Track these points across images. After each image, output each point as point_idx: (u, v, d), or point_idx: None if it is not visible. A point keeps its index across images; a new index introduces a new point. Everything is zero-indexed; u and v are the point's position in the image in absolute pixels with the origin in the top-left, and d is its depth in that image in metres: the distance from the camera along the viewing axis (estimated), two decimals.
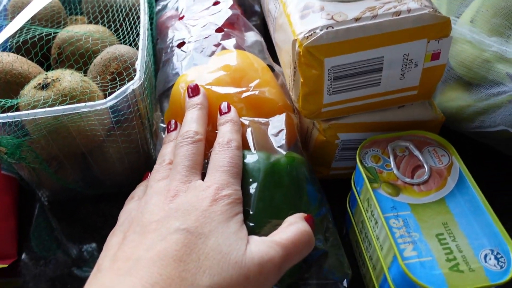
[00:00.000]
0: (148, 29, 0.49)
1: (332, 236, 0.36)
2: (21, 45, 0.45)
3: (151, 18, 0.57)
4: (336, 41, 0.36)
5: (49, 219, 0.48)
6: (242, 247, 0.29)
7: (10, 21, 0.48)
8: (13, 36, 0.45)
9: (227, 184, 0.33)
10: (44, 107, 0.38)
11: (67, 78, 0.40)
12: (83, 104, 0.38)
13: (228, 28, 0.49)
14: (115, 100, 0.38)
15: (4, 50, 0.46)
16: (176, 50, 0.49)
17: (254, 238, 0.31)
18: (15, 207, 0.46)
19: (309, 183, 0.38)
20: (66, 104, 0.38)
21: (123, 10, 0.50)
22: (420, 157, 0.38)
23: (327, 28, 0.36)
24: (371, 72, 0.38)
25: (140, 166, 0.47)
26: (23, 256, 0.44)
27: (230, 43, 0.47)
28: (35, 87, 0.39)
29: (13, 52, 0.46)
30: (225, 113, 0.39)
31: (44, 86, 0.39)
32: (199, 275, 0.27)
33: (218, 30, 0.48)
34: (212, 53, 0.46)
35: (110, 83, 0.42)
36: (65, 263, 0.44)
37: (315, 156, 0.45)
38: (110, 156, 0.44)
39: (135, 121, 0.42)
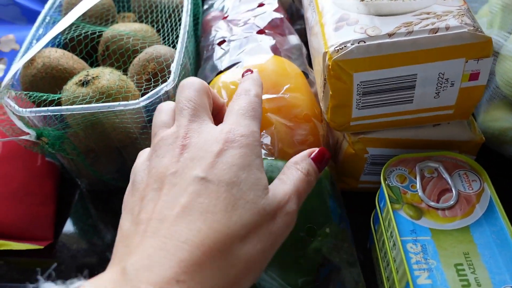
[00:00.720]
0: (190, 29, 0.50)
1: (348, 253, 0.36)
2: (68, 42, 0.48)
3: (196, 17, 0.59)
4: (367, 56, 0.35)
5: (86, 206, 0.50)
6: (266, 195, 0.28)
7: (63, 16, 0.51)
8: (63, 32, 0.48)
9: (243, 125, 0.30)
10: (82, 104, 0.40)
11: (106, 76, 0.42)
12: (117, 103, 0.39)
13: (270, 30, 0.49)
14: (148, 101, 0.40)
15: (54, 45, 0.49)
16: (216, 48, 0.49)
17: (274, 184, 0.30)
18: (55, 193, 0.49)
19: (331, 196, 0.38)
20: (103, 102, 0.40)
21: (167, 10, 0.52)
22: (449, 180, 0.37)
23: (358, 43, 0.35)
24: (403, 89, 0.37)
25: None
26: (59, 239, 0.47)
27: (268, 44, 0.47)
28: (77, 83, 0.41)
29: (62, 47, 0.48)
30: (245, 74, 0.36)
31: (84, 83, 0.41)
32: (231, 224, 0.26)
33: (259, 31, 0.48)
34: (250, 53, 0.47)
35: (146, 83, 0.44)
36: (98, 248, 0.47)
37: (344, 168, 0.45)
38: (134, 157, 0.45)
39: None
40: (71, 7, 0.51)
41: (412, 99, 0.38)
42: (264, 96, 0.42)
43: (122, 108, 0.39)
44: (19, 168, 0.47)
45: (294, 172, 0.31)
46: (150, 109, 0.41)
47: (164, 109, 0.33)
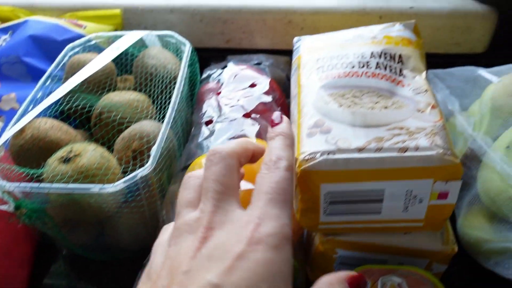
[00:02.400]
0: (181, 104, 0.51)
1: None
2: (64, 110, 0.50)
3: (193, 87, 0.60)
4: (335, 169, 0.35)
5: (65, 270, 0.51)
6: None
7: (65, 81, 0.53)
8: (59, 101, 0.50)
9: (271, 217, 0.26)
10: (60, 182, 0.41)
11: (88, 154, 0.43)
12: (93, 185, 0.40)
13: (258, 113, 0.50)
14: (123, 186, 0.41)
15: (50, 111, 0.51)
16: (203, 128, 0.50)
17: None
18: (32, 256, 0.50)
19: None
20: (80, 182, 0.41)
21: (164, 80, 0.53)
22: None
23: (327, 154, 0.36)
24: (370, 201, 0.37)
25: (149, 236, 0.49)
26: None
27: (253, 130, 0.48)
28: (59, 159, 0.43)
29: (57, 115, 0.50)
30: (276, 124, 0.33)
31: (66, 160, 0.42)
32: None
33: (246, 115, 0.49)
34: (234, 138, 0.48)
35: (128, 162, 0.45)
36: None
37: (315, 262, 0.44)
38: (118, 228, 0.46)
39: (143, 200, 0.44)
40: (72, 72, 0.53)
41: (380, 211, 0.38)
42: (243, 185, 0.43)
43: (96, 191, 0.40)
44: (0, 229, 0.48)
45: None
46: (125, 192, 0.42)
47: (190, 185, 0.30)
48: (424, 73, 0.42)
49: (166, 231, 0.30)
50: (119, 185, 0.41)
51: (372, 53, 0.42)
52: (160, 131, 0.45)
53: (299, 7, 0.61)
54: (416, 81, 0.41)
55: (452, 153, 0.35)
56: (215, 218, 0.27)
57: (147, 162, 0.43)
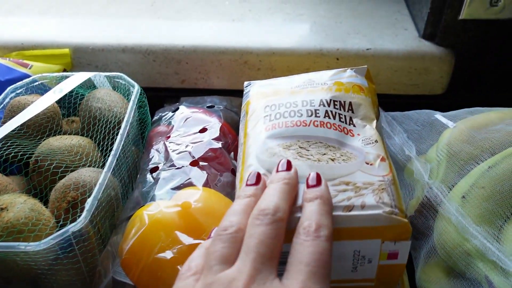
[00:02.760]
0: (128, 148, 0.48)
1: None
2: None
3: (143, 130, 0.57)
4: None
5: None
6: None
7: (1, 125, 0.50)
8: None
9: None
10: None
11: (16, 207, 0.39)
12: (16, 243, 0.37)
13: (206, 160, 0.47)
14: (50, 244, 0.37)
15: None
16: (148, 175, 0.48)
17: None
18: None
19: None
20: (4, 239, 0.38)
21: (109, 124, 0.50)
22: None
23: None
24: None
25: None
26: None
27: (200, 179, 0.45)
28: None
29: None
30: (313, 186, 0.32)
31: None
32: None
33: (193, 163, 0.47)
34: (179, 187, 0.45)
35: (64, 214, 0.42)
36: None
37: None
38: (53, 286, 0.42)
39: (78, 256, 0.41)
40: (14, 111, 0.50)
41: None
42: (185, 240, 0.40)
43: (22, 249, 0.37)
44: None
45: None
46: (55, 250, 0.38)
47: (228, 239, 0.28)
48: (374, 122, 0.40)
49: (184, 281, 0.28)
50: (47, 242, 0.37)
51: (321, 101, 0.41)
52: (98, 181, 0.42)
53: (255, 48, 0.60)
54: (366, 130, 0.39)
55: (400, 212, 0.33)
56: (252, 285, 0.25)
57: (81, 215, 0.39)
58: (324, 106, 0.40)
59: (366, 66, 0.45)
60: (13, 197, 0.41)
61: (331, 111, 0.40)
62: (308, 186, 0.32)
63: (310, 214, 0.30)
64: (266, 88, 0.44)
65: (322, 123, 0.39)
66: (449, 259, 0.40)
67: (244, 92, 0.46)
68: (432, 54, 0.60)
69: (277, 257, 0.28)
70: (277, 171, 0.34)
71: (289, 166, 0.34)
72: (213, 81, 0.63)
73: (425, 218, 0.45)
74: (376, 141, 0.38)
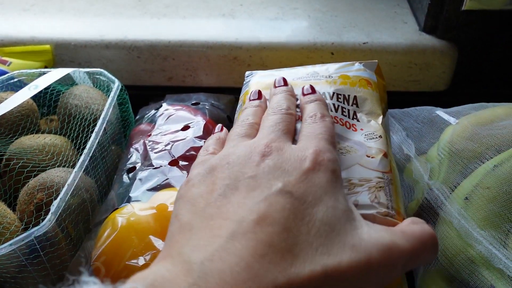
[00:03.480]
0: (105, 147, 0.45)
1: None
2: None
3: (126, 128, 0.54)
4: None
5: None
6: (359, 229, 0.24)
7: None
8: None
9: (329, 150, 0.28)
10: None
11: None
12: None
13: (187, 160, 0.44)
14: (11, 248, 0.34)
15: None
16: (124, 176, 0.44)
17: (371, 224, 0.26)
18: None
19: None
20: None
21: (85, 121, 0.47)
22: None
23: None
24: None
25: None
26: None
27: (179, 180, 0.42)
28: None
29: None
30: (309, 93, 0.36)
31: None
32: (311, 252, 0.22)
33: (172, 162, 0.43)
34: (156, 188, 0.41)
35: (30, 216, 0.38)
36: None
37: None
38: None
39: (45, 263, 0.37)
40: None
41: None
42: (160, 244, 0.37)
43: None
44: None
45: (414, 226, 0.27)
46: (18, 255, 0.35)
47: (246, 125, 0.33)
48: (380, 118, 0.37)
49: (204, 154, 0.33)
50: (6, 248, 0.34)
51: (323, 94, 0.37)
52: (63, 188, 0.38)
53: (245, 42, 0.57)
54: (370, 125, 0.36)
55: (397, 214, 0.30)
56: (273, 143, 0.29)
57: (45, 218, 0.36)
58: (326, 99, 0.37)
59: (376, 61, 0.42)
60: None
61: (334, 104, 0.36)
62: (304, 94, 0.36)
63: (313, 109, 0.33)
64: (268, 79, 0.41)
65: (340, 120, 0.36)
66: (451, 267, 0.36)
67: (244, 82, 0.42)
68: (434, 48, 0.56)
69: (291, 137, 0.31)
70: (275, 86, 0.37)
71: (285, 81, 0.38)
72: (201, 78, 0.59)
73: (425, 221, 0.42)
74: (380, 136, 0.35)
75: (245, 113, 0.35)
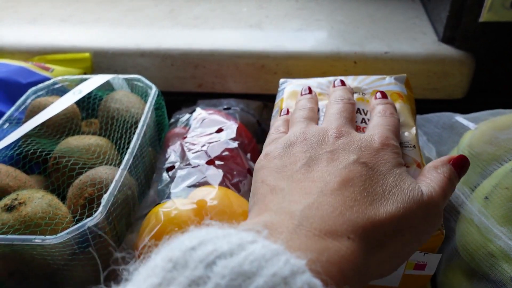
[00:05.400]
0: (144, 147, 0.48)
1: None
2: (19, 155, 0.47)
3: (160, 132, 0.58)
4: None
5: None
6: (419, 189, 0.29)
7: (22, 124, 0.50)
8: (12, 145, 0.47)
9: (392, 138, 0.33)
10: (0, 232, 0.38)
11: (34, 202, 0.40)
12: (33, 236, 0.37)
13: (222, 160, 0.47)
14: (67, 237, 0.37)
15: (1, 157, 0.48)
16: (164, 174, 0.48)
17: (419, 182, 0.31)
18: None
19: None
20: (21, 232, 0.38)
21: (126, 124, 0.51)
22: None
23: None
24: None
25: None
26: None
27: (216, 178, 0.45)
28: (2, 207, 0.39)
29: (6, 159, 0.47)
30: (380, 98, 0.39)
31: (9, 208, 0.39)
32: (389, 205, 0.27)
33: (209, 162, 0.47)
34: (195, 186, 0.45)
35: (81, 209, 0.42)
36: None
37: None
38: (68, 282, 0.42)
39: (94, 252, 0.41)
40: (35, 111, 0.51)
41: None
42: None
43: (38, 242, 0.37)
44: None
45: (436, 176, 0.31)
46: (72, 244, 0.38)
47: (307, 109, 0.37)
48: (413, 129, 0.39)
49: (275, 134, 0.37)
50: (63, 236, 0.37)
51: (358, 110, 0.39)
52: (111, 184, 0.42)
53: (272, 51, 0.60)
54: (404, 136, 0.37)
55: None
56: (342, 128, 0.33)
57: (97, 211, 0.39)
58: (360, 114, 0.39)
59: (405, 75, 0.44)
60: (31, 192, 0.41)
61: (368, 119, 0.39)
62: (376, 98, 0.39)
63: (383, 107, 0.37)
64: (300, 88, 0.43)
65: (358, 127, 0.38)
66: (472, 261, 0.39)
67: (278, 89, 0.45)
68: (452, 57, 0.59)
69: (354, 125, 0.35)
70: (334, 85, 0.41)
71: (343, 83, 0.41)
72: (230, 85, 0.63)
73: (446, 220, 0.44)
74: (414, 146, 0.36)
75: (302, 101, 0.39)
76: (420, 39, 0.62)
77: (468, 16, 0.56)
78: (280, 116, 0.40)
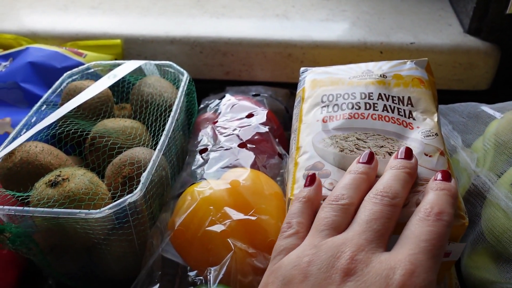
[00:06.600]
0: (176, 132, 0.50)
1: None
2: (57, 134, 0.49)
3: (190, 117, 0.59)
4: None
5: None
6: None
7: (59, 107, 0.52)
8: (52, 125, 0.49)
9: (427, 270, 0.25)
10: (46, 206, 0.40)
11: (76, 179, 0.42)
12: (77, 210, 0.39)
13: (253, 143, 0.49)
14: (110, 211, 0.39)
15: (44, 135, 0.50)
16: (197, 156, 0.49)
17: None
18: (16, 284, 0.47)
19: None
20: (66, 207, 0.40)
21: (160, 108, 0.52)
22: None
23: (323, 201, 0.33)
24: None
25: (138, 265, 0.46)
26: None
27: (247, 159, 0.47)
28: (46, 183, 0.41)
29: (48, 139, 0.49)
30: (443, 179, 0.31)
31: (53, 184, 0.41)
32: None
33: (241, 145, 0.48)
34: (228, 167, 0.46)
35: (121, 187, 0.43)
36: None
37: None
38: (106, 256, 0.44)
39: (132, 228, 0.42)
40: (71, 94, 0.53)
41: None
42: (234, 215, 0.41)
43: (82, 216, 0.39)
44: None
45: None
46: (112, 219, 0.40)
47: (339, 209, 0.29)
48: (435, 115, 0.39)
49: (286, 239, 0.30)
50: (106, 211, 0.39)
51: (379, 95, 0.40)
52: (151, 158, 0.44)
53: (299, 40, 0.61)
54: (426, 123, 0.38)
55: (461, 211, 0.32)
56: (360, 254, 0.26)
57: (136, 188, 0.41)
58: (382, 100, 0.39)
59: (426, 58, 0.44)
60: (73, 169, 0.43)
61: (390, 106, 0.39)
62: (435, 179, 0.31)
63: (434, 201, 0.29)
64: (322, 76, 0.44)
65: (380, 116, 0.39)
66: (498, 244, 0.40)
67: (300, 78, 0.46)
68: (478, 49, 0.60)
69: (387, 238, 0.28)
70: (396, 157, 0.33)
71: (410, 154, 0.33)
72: (256, 73, 0.64)
73: (472, 206, 0.45)
74: (436, 134, 0.37)
75: (344, 182, 0.32)
76: (445, 30, 0.63)
77: (495, 8, 0.57)
78: (297, 186, 0.34)
